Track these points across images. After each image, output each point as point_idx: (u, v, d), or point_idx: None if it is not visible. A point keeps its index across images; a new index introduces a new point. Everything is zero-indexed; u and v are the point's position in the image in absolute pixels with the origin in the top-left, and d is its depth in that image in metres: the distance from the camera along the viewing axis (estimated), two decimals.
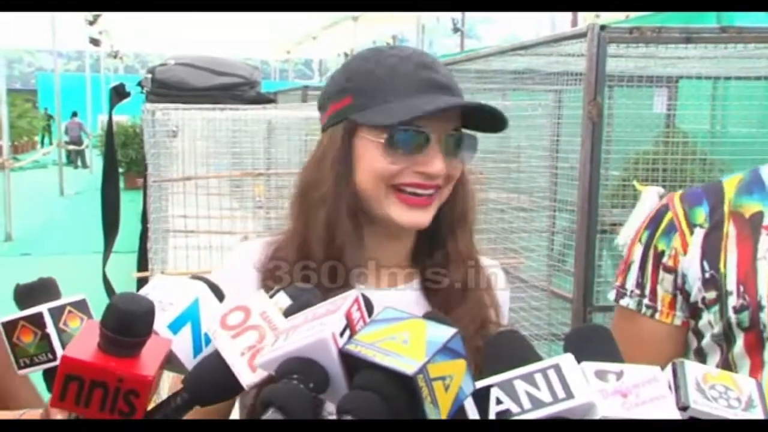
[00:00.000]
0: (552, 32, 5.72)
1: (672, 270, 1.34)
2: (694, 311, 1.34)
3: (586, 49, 2.46)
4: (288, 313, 0.80)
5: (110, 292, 3.16)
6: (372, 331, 0.71)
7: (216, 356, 0.77)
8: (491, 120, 1.10)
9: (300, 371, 0.70)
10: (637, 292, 1.37)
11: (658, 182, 3.03)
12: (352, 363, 0.69)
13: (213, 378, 0.77)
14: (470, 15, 15.55)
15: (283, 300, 0.82)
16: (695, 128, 3.32)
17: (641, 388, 0.70)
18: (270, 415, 0.67)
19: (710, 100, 3.33)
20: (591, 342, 0.76)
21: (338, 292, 0.79)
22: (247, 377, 0.76)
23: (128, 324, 0.74)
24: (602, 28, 2.44)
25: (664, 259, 1.34)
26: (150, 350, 0.77)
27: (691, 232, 1.33)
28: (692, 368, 0.72)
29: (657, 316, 1.36)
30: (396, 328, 0.70)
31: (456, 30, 14.56)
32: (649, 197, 2.92)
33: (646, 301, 1.37)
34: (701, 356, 1.35)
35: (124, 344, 0.75)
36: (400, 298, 1.11)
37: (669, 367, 0.73)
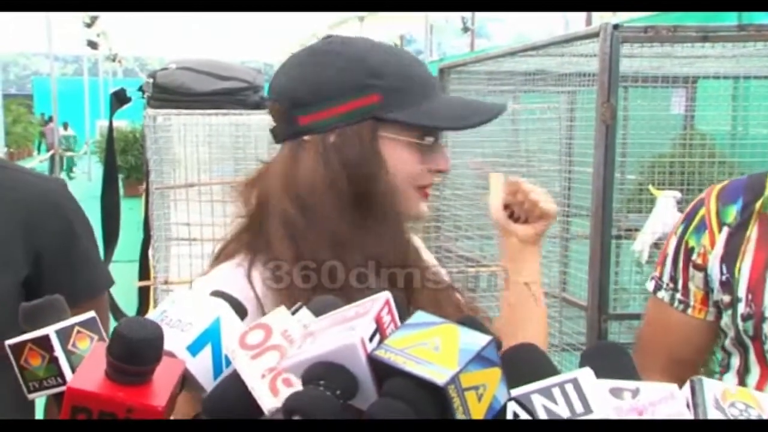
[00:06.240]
0: (565, 31, 5.63)
1: (701, 268, 1.33)
2: (718, 310, 1.33)
3: (599, 49, 2.39)
4: None
5: (111, 302, 3.11)
6: (402, 336, 0.68)
7: (235, 378, 0.73)
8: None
9: (326, 377, 0.67)
10: (671, 285, 1.38)
11: (676, 186, 2.95)
12: (381, 369, 0.66)
13: (233, 401, 0.73)
14: (480, 14, 15.47)
15: (307, 317, 0.78)
16: (715, 129, 3.23)
17: (657, 406, 0.67)
18: None
19: (731, 100, 3.23)
20: (607, 360, 0.73)
21: (338, 294, 0.80)
22: (269, 401, 0.71)
23: (134, 352, 0.70)
24: (615, 27, 2.37)
25: (694, 257, 1.34)
26: (162, 375, 0.73)
27: (720, 231, 1.31)
28: (711, 385, 0.69)
29: (689, 311, 1.36)
30: (428, 333, 0.67)
31: (466, 30, 14.49)
32: (666, 202, 2.85)
33: (678, 295, 1.37)
34: (727, 353, 1.35)
35: (131, 372, 0.71)
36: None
37: (687, 385, 0.70)
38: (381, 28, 14.16)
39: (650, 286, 1.43)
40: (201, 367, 0.78)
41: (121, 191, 3.48)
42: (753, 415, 0.68)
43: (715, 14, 3.35)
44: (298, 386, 0.70)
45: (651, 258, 2.92)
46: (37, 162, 19.74)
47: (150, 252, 3.20)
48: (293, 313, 0.78)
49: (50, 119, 21.56)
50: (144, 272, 3.23)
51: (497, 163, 3.17)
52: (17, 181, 1.33)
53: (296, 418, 0.63)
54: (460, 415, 0.63)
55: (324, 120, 1.04)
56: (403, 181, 1.06)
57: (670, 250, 1.38)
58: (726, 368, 1.36)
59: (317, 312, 0.78)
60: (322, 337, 0.70)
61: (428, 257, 1.23)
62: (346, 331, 0.69)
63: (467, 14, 14.06)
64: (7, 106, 24.78)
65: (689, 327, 1.36)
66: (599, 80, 2.39)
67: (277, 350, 0.73)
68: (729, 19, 3.16)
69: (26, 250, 1.29)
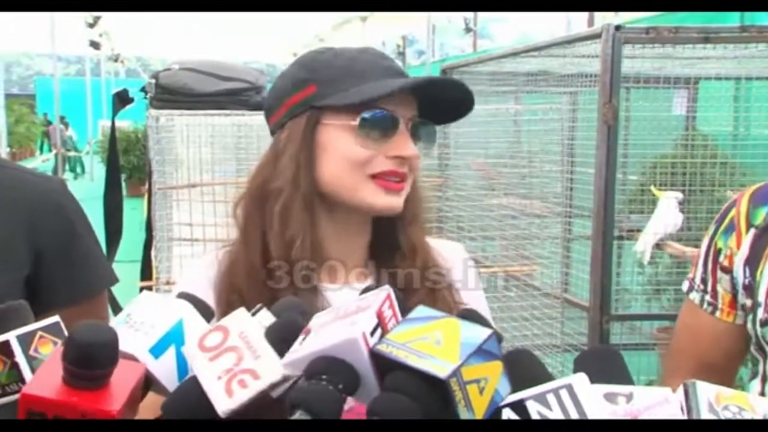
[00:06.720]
0: (568, 31, 5.64)
1: (728, 270, 1.30)
2: (745, 314, 1.29)
3: (601, 50, 2.40)
4: (270, 331, 0.74)
5: (112, 302, 3.11)
6: (404, 330, 0.68)
7: (194, 380, 0.73)
8: (452, 108, 1.10)
9: (329, 371, 0.67)
10: (701, 287, 1.35)
11: (678, 186, 2.95)
12: (383, 363, 0.66)
13: (191, 404, 0.72)
14: (483, 14, 15.46)
15: (267, 318, 0.77)
16: (717, 130, 3.23)
17: (652, 410, 0.67)
18: (298, 417, 0.63)
19: (732, 101, 3.23)
20: (601, 364, 0.72)
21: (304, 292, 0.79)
22: (223, 403, 0.70)
23: (87, 356, 0.69)
24: (617, 28, 2.38)
25: (721, 258, 1.31)
26: (120, 379, 0.72)
27: (747, 232, 1.27)
28: (704, 389, 0.69)
29: (717, 314, 1.32)
30: (429, 327, 0.68)
31: (468, 30, 14.50)
32: (667, 203, 2.86)
33: (708, 297, 1.34)
34: (755, 359, 1.31)
35: (86, 377, 0.70)
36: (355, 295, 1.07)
37: (681, 388, 0.69)
38: (383, 28, 14.17)
39: (684, 286, 1.40)
40: (164, 370, 0.77)
41: (124, 191, 3.49)
42: (746, 418, 0.67)
43: (718, 15, 3.35)
44: (252, 388, 0.70)
45: (653, 258, 2.93)
46: (39, 162, 19.77)
47: (152, 252, 3.20)
48: (253, 315, 0.77)
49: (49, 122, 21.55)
50: (146, 272, 3.23)
51: (499, 163, 3.18)
52: (18, 181, 1.33)
53: (299, 411, 0.64)
54: (462, 408, 0.63)
55: (280, 119, 1.11)
56: (348, 167, 1.05)
57: (702, 251, 1.35)
58: (755, 375, 1.31)
59: (278, 313, 0.77)
60: (324, 333, 0.70)
61: (435, 258, 1.17)
62: (348, 325, 0.69)
63: (469, 15, 14.07)
64: (10, 106, 24.82)
65: (718, 330, 1.32)
66: (601, 81, 2.40)
67: (234, 352, 0.73)
68: (731, 20, 3.17)
69: (28, 250, 1.29)
